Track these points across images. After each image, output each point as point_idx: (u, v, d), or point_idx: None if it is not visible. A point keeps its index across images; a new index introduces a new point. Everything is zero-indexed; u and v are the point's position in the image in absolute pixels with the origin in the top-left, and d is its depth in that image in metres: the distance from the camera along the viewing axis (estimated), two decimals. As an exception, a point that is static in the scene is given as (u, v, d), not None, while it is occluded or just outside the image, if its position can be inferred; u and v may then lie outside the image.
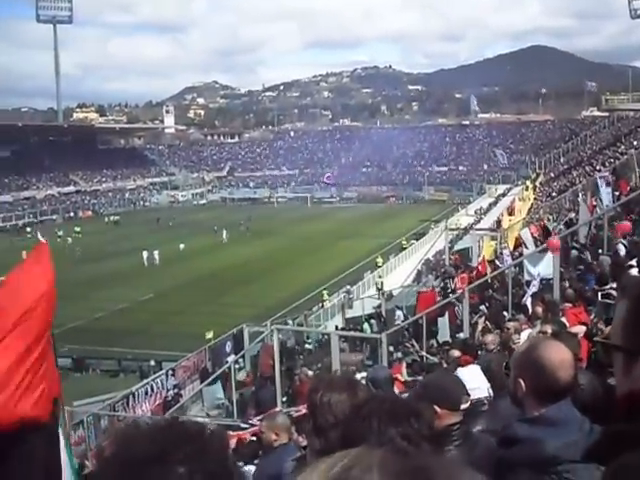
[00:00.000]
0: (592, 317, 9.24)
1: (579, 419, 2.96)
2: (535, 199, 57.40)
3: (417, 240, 62.34)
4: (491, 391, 6.00)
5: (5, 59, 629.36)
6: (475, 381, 5.90)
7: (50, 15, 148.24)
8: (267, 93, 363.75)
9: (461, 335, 16.35)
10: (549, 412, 2.93)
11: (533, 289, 15.13)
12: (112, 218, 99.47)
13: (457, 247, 47.06)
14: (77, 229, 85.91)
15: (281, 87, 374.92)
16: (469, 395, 4.42)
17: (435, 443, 2.39)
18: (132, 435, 1.73)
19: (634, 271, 10.34)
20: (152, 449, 1.66)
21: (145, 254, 64.26)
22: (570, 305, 10.63)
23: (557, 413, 2.93)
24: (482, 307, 19.19)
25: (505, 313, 15.43)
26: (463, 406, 3.94)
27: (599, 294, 10.07)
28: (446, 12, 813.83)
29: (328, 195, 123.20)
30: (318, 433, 3.07)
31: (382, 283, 45.14)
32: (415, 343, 18.10)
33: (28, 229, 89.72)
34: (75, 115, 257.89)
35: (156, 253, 64.38)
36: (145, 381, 28.31)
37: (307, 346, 31.03)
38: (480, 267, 28.05)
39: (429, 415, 2.73)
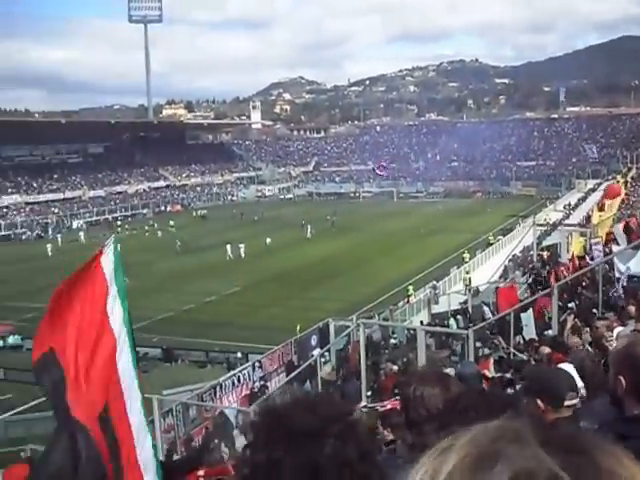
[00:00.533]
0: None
1: None
2: (626, 194, 56.13)
3: (504, 236, 61.32)
4: (584, 390, 5.77)
5: (98, 58, 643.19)
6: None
7: (141, 15, 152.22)
8: (353, 88, 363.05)
9: (549, 332, 16.13)
10: None
11: (621, 285, 14.84)
12: (200, 212, 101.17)
13: (545, 243, 46.36)
14: (171, 223, 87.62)
15: (367, 82, 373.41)
16: (576, 392, 4.30)
17: None
18: (291, 408, 1.84)
19: None
20: (310, 422, 1.77)
21: (229, 248, 64.84)
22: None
23: None
24: (571, 304, 18.87)
25: (595, 311, 15.12)
26: (568, 402, 3.89)
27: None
28: (534, 2, 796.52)
29: (414, 190, 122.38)
30: (411, 426, 3.11)
31: (470, 279, 44.75)
32: (502, 340, 17.96)
33: (119, 223, 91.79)
34: (164, 112, 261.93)
35: (242, 247, 65.02)
36: (232, 372, 28.29)
37: (392, 341, 30.86)
38: (570, 263, 27.64)
39: (528, 409, 2.68)
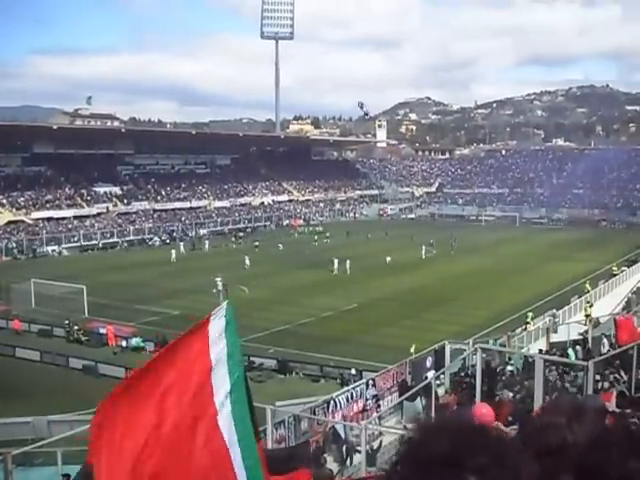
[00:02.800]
0: None
1: None
2: None
3: (629, 267, 59.88)
4: None
5: (229, 72, 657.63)
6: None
7: (273, 32, 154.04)
8: (479, 110, 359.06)
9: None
10: None
11: None
12: (317, 228, 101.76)
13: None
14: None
15: (494, 104, 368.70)
16: None
17: None
18: (434, 433, 1.75)
19: None
20: (449, 452, 1.67)
21: (336, 263, 65.69)
22: None
23: None
24: None
25: None
26: None
27: None
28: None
29: (537, 216, 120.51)
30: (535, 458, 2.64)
31: (592, 309, 43.75)
32: (624, 374, 17.49)
33: (241, 234, 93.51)
34: (291, 127, 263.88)
35: (347, 263, 65.34)
36: (345, 388, 28.42)
37: (509, 367, 30.47)
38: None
39: None
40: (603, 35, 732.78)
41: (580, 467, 2.09)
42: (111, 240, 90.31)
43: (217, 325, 3.55)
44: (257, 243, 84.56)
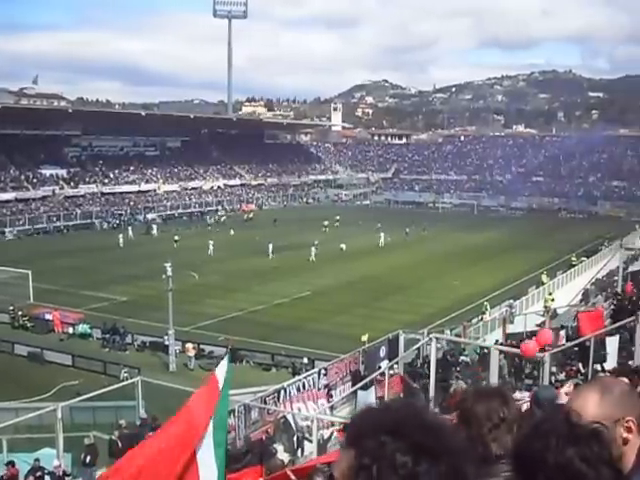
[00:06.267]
0: None
1: None
2: None
3: (588, 258, 59.60)
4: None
5: (180, 52, 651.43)
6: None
7: (226, 10, 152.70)
8: (438, 94, 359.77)
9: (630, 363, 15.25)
10: None
11: None
12: (249, 215, 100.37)
13: (632, 268, 44.61)
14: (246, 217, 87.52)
15: (453, 88, 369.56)
16: None
17: (616, 469, 2.20)
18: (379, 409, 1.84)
19: None
20: (425, 439, 1.73)
21: (313, 250, 64.78)
22: None
23: None
24: None
25: None
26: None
27: None
28: (636, 11, 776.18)
29: (496, 203, 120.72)
30: (473, 442, 2.99)
31: (552, 300, 43.39)
32: (581, 366, 17.26)
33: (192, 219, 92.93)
34: (244, 109, 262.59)
35: (313, 251, 64.95)
36: (297, 378, 28.22)
37: (463, 358, 29.94)
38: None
39: (610, 438, 2.28)
40: (566, 19, 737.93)
41: (519, 454, 2.25)
42: (58, 224, 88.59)
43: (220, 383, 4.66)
44: (208, 228, 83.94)
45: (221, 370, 4.88)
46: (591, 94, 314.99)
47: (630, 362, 15.64)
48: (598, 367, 17.12)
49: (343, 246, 69.07)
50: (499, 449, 3.01)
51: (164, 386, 20.03)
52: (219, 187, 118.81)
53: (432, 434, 1.74)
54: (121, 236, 74.82)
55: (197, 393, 4.86)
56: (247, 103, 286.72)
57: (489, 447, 2.99)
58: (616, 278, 42.54)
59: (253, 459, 14.90)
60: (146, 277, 53.20)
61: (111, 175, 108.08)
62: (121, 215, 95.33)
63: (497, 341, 31.00)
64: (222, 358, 34.60)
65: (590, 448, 2.16)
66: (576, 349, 20.06)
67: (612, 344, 17.42)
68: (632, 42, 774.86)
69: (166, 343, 37.42)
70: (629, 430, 2.54)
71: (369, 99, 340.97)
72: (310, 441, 18.78)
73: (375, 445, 1.73)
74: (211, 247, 67.57)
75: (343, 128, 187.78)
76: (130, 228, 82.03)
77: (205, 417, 4.48)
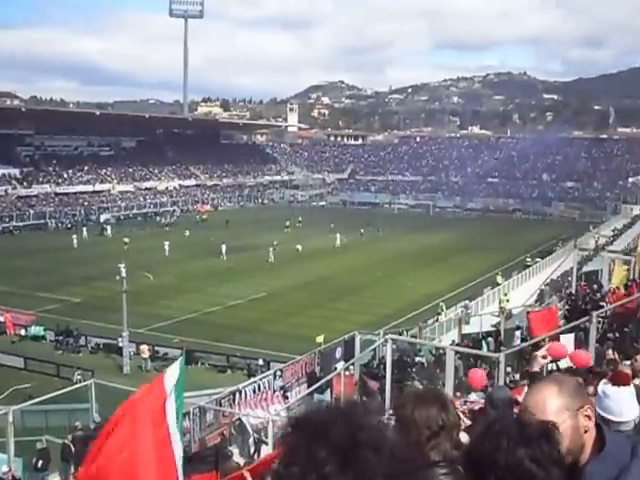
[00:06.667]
0: None
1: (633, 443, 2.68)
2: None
3: (542, 258, 60.08)
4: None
5: (135, 51, 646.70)
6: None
7: (182, 10, 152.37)
8: (394, 95, 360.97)
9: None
10: (609, 446, 2.64)
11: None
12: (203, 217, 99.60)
13: (586, 269, 45.03)
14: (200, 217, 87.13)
15: (409, 90, 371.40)
16: None
17: (565, 468, 2.29)
18: (329, 415, 1.85)
19: None
20: (346, 431, 1.76)
21: (270, 252, 64.57)
22: None
23: (615, 445, 2.66)
24: (610, 335, 18.02)
25: (636, 344, 14.33)
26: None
27: None
28: (589, 14, 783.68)
29: (451, 204, 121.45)
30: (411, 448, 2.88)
31: (507, 301, 43.65)
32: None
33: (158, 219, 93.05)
34: (200, 109, 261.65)
35: (271, 251, 64.70)
36: (252, 380, 28.07)
37: (418, 359, 29.98)
38: (615, 292, 26.40)
39: (560, 438, 2.34)
40: (521, 22, 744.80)
41: (470, 455, 2.33)
42: (9, 224, 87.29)
43: (170, 382, 4.56)
44: (163, 229, 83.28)
45: (172, 371, 4.76)
46: (545, 96, 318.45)
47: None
48: (553, 366, 17.12)
49: (299, 247, 68.87)
50: (437, 456, 2.98)
51: (118, 388, 19.73)
52: (174, 187, 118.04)
53: (355, 436, 1.74)
54: (75, 237, 73.88)
55: (141, 392, 4.69)
56: (203, 103, 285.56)
57: (427, 455, 2.94)
58: (570, 278, 42.94)
59: (208, 464, 14.71)
60: (100, 278, 52.50)
61: (65, 175, 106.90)
62: (75, 215, 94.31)
63: (453, 342, 31.09)
64: (177, 360, 34.72)
65: (540, 448, 2.22)
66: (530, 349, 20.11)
67: (566, 343, 17.43)
68: (585, 45, 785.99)
69: (120, 345, 36.99)
70: (589, 418, 2.62)
71: (325, 100, 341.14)
72: (266, 443, 18.61)
73: (295, 444, 1.78)
74: (166, 248, 67.08)
75: (299, 129, 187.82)
76: (84, 229, 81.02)
77: (155, 417, 4.39)
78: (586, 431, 2.61)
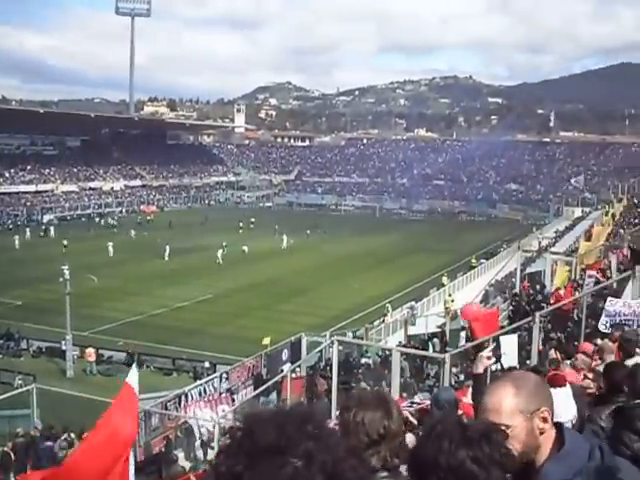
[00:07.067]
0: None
1: (592, 443, 2.77)
2: (615, 225, 55.24)
3: (487, 260, 60.60)
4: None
5: (81, 49, 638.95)
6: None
7: (129, 8, 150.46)
8: (341, 97, 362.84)
9: (528, 362, 15.47)
10: (567, 446, 2.69)
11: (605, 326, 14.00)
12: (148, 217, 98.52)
13: (529, 270, 45.54)
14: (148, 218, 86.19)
15: (356, 92, 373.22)
16: None
17: (506, 468, 2.31)
18: (259, 421, 1.80)
19: None
20: (275, 440, 1.73)
21: (218, 253, 64.22)
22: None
23: (574, 444, 2.69)
24: (553, 335, 18.29)
25: (577, 343, 14.47)
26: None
27: None
28: (533, 21, 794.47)
29: (397, 206, 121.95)
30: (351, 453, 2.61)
31: (452, 301, 43.93)
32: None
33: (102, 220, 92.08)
34: (146, 108, 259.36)
35: (219, 253, 64.33)
36: (198, 382, 27.87)
37: (365, 360, 30.06)
38: (557, 292, 26.76)
39: (500, 439, 2.35)
40: (467, 26, 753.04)
41: (413, 457, 2.35)
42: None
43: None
44: (107, 230, 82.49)
45: (132, 378, 4.97)
46: (490, 100, 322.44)
47: (528, 362, 15.84)
48: (498, 367, 17.28)
49: (245, 248, 68.62)
50: (377, 463, 2.99)
51: (61, 393, 19.47)
52: (120, 188, 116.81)
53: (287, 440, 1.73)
54: (17, 238, 72.75)
55: (114, 404, 4.78)
56: (149, 103, 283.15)
57: (367, 460, 2.88)
58: (514, 279, 43.38)
59: (152, 474, 14.61)
60: (43, 280, 51.59)
61: (7, 174, 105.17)
62: (17, 216, 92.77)
63: (400, 343, 31.23)
64: (125, 364, 34.09)
65: (481, 449, 2.23)
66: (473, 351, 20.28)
67: (509, 343, 17.59)
68: (529, 51, 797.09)
69: (63, 348, 36.45)
70: (544, 420, 2.62)
71: (272, 101, 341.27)
72: (212, 447, 18.48)
73: (232, 444, 1.78)
74: (111, 249, 66.39)
75: (246, 130, 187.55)
76: (27, 229, 79.84)
77: (130, 426, 4.46)
78: (542, 433, 2.61)
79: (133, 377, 4.68)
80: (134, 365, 5.11)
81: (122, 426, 4.46)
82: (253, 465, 1.69)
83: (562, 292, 26.42)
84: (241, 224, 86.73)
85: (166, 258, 64.71)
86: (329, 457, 1.72)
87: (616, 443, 3.38)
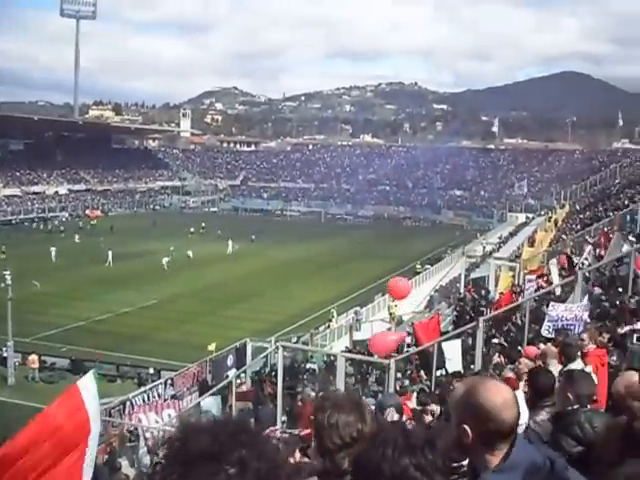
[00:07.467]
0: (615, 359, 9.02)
1: (537, 452, 2.95)
2: (558, 231, 55.97)
3: (432, 265, 61.03)
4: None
5: (25, 51, 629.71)
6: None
7: (74, 10, 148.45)
8: (287, 103, 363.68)
9: (472, 367, 15.60)
10: (515, 457, 2.77)
11: (548, 331, 14.19)
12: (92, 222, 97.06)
13: (473, 275, 45.93)
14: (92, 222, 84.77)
15: (302, 97, 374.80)
16: None
17: (448, 476, 2.36)
18: (194, 430, 1.84)
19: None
20: (210, 448, 1.76)
21: (164, 260, 63.61)
22: (594, 346, 9.64)
23: (522, 455, 2.80)
24: (496, 340, 18.41)
25: (520, 348, 14.65)
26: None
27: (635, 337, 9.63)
28: (478, 29, 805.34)
29: (343, 212, 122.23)
30: (323, 454, 3.06)
31: (396, 306, 44.08)
32: (423, 372, 17.57)
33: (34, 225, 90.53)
34: (91, 112, 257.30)
35: (164, 260, 63.76)
36: (143, 389, 27.77)
37: (310, 365, 30.11)
38: (501, 298, 27.07)
39: (443, 447, 2.41)
40: (414, 33, 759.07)
41: (357, 464, 2.40)
42: None
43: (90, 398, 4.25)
44: (51, 235, 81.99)
45: (86, 384, 4.46)
46: (435, 106, 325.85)
47: (472, 366, 15.95)
48: (443, 372, 17.43)
49: (190, 253, 68.38)
50: (350, 466, 2.91)
51: (1, 401, 19.23)
52: (64, 192, 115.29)
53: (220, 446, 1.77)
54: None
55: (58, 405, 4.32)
56: (94, 106, 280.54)
57: (337, 463, 2.95)
58: (459, 285, 43.79)
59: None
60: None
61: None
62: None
63: (345, 348, 31.30)
64: (68, 370, 33.53)
65: (424, 457, 2.26)
66: (416, 356, 20.42)
67: (452, 349, 17.70)
68: (474, 58, 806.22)
69: (5, 355, 35.89)
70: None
71: (219, 106, 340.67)
72: (157, 454, 18.37)
73: (168, 454, 1.81)
74: (54, 254, 65.61)
75: (192, 134, 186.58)
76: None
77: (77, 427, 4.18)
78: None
79: (88, 383, 4.48)
80: (92, 371, 4.89)
81: (66, 424, 4.27)
82: (187, 473, 1.72)
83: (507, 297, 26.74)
84: (192, 229, 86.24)
85: (109, 263, 64.09)
86: (263, 465, 1.75)
87: (555, 448, 3.47)
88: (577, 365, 8.22)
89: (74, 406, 4.09)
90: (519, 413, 2.88)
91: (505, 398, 2.81)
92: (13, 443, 3.83)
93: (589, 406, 5.43)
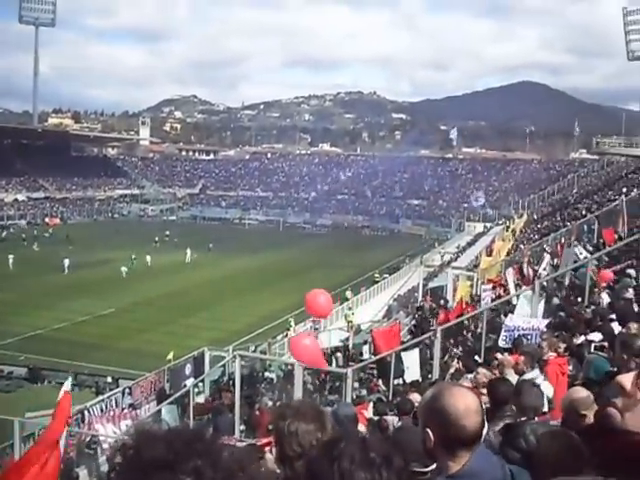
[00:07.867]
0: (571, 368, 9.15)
1: (499, 464, 3.04)
2: (516, 240, 56.46)
3: (390, 274, 61.29)
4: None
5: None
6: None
7: (33, 17, 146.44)
8: (246, 111, 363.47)
9: (430, 377, 15.81)
10: (473, 464, 2.84)
11: (505, 341, 14.39)
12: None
13: (432, 285, 46.23)
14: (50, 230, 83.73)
15: (261, 106, 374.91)
16: None
17: None
18: (149, 439, 1.81)
19: (615, 325, 10.30)
20: (164, 456, 1.74)
21: (121, 268, 63.56)
22: (554, 355, 9.86)
23: (482, 465, 2.88)
24: (455, 350, 18.62)
25: (477, 357, 14.83)
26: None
27: (592, 347, 9.60)
28: (437, 39, 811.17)
29: (301, 220, 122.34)
30: (283, 461, 3.10)
31: (353, 314, 44.31)
32: (381, 382, 17.65)
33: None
34: (50, 120, 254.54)
35: (124, 269, 63.71)
36: (100, 398, 27.23)
37: (268, 375, 30.12)
38: (457, 307, 27.32)
39: (401, 463, 2.35)
40: (372, 43, 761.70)
41: (308, 470, 2.36)
42: None
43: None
44: (9, 243, 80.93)
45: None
46: (394, 116, 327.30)
47: (430, 376, 16.14)
48: (400, 381, 17.57)
49: (148, 259, 68.30)
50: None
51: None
52: (22, 200, 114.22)
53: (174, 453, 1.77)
54: None
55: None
56: (54, 114, 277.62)
57: (297, 471, 2.96)
58: (417, 294, 44.08)
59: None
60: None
61: None
62: None
63: (302, 357, 31.32)
64: (25, 379, 33.28)
65: (380, 474, 2.22)
66: (374, 365, 20.54)
67: (410, 358, 17.85)
68: (433, 68, 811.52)
69: (-41, 364, 35.64)
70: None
71: (178, 114, 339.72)
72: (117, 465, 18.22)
73: (122, 462, 1.79)
74: (11, 262, 65.05)
75: (151, 142, 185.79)
76: None
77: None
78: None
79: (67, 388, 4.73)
80: (69, 377, 5.32)
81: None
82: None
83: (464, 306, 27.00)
84: (157, 239, 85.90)
85: (66, 271, 63.68)
86: (219, 475, 1.74)
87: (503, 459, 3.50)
88: (533, 375, 8.40)
89: (67, 413, 4.33)
90: (483, 421, 2.92)
91: (468, 405, 2.84)
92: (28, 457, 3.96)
93: (537, 418, 5.61)
